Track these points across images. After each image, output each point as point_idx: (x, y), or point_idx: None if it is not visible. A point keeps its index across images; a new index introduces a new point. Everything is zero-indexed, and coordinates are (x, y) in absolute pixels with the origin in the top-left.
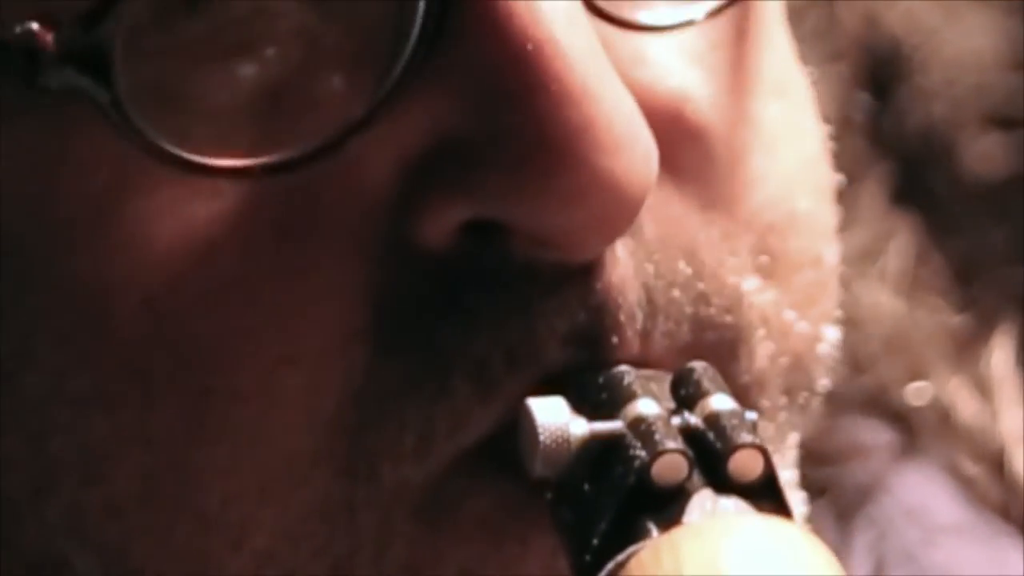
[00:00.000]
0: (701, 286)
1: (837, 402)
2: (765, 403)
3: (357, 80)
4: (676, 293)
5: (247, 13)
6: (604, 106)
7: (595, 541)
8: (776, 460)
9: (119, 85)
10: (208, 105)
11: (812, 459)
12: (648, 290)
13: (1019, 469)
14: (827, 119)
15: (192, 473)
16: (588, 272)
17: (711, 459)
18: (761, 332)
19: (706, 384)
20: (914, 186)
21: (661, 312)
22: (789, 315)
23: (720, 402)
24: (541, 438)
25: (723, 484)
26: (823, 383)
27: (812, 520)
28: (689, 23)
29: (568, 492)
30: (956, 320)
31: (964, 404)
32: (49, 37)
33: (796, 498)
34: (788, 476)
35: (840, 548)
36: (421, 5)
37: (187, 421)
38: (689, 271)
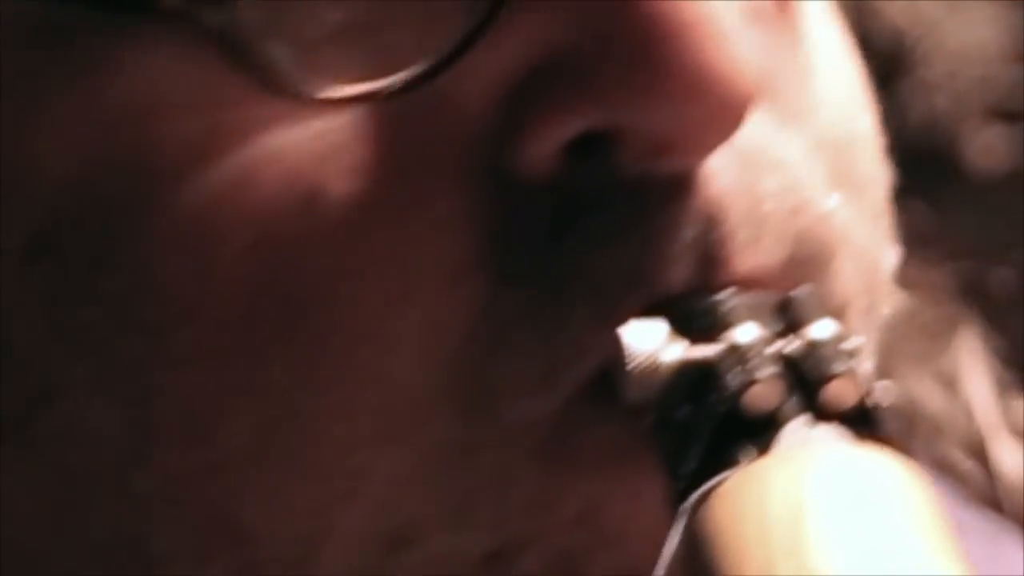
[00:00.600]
0: (792, 199)
1: None
2: (849, 325)
3: (455, 5)
4: (772, 205)
5: None
6: (708, 6)
7: (689, 467)
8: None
9: (239, 11)
10: (320, 33)
11: None
12: (750, 201)
13: (1003, 462)
14: None
15: (306, 423)
16: (696, 182)
17: (807, 386)
18: (844, 250)
19: (809, 310)
20: (916, 179)
21: (763, 223)
22: (863, 233)
23: (820, 329)
24: (629, 364)
25: (819, 411)
26: (886, 309)
27: None
28: None
29: (665, 417)
30: (927, 312)
31: (932, 399)
32: None
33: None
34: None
35: None
36: None
37: (300, 369)
38: (780, 183)
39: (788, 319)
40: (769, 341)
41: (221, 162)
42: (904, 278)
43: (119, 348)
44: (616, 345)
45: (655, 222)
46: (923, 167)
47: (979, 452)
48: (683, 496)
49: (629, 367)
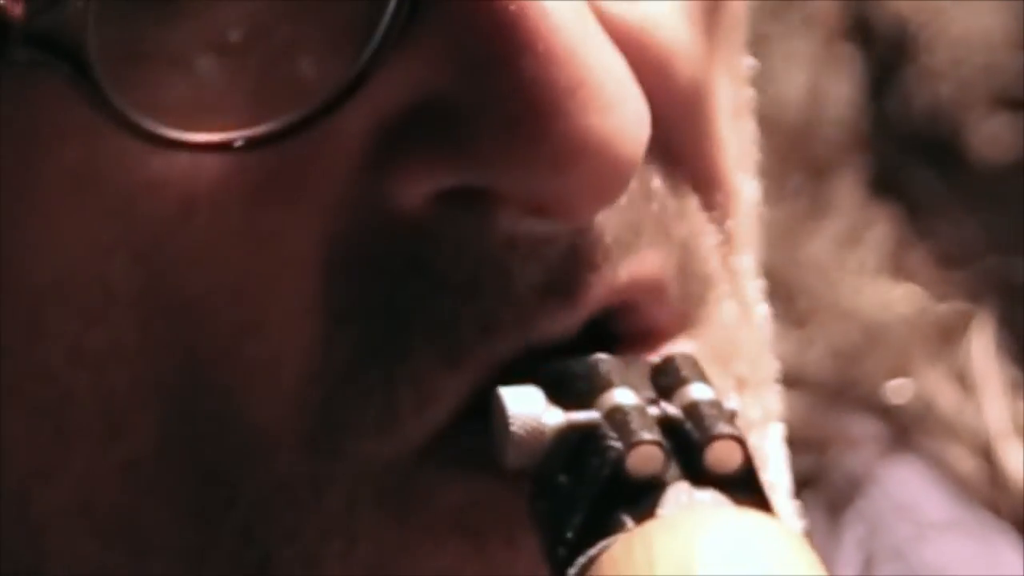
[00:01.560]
0: (672, 224)
1: (824, 394)
2: (743, 369)
3: (335, 47)
4: (651, 225)
5: None
6: (593, 66)
7: (570, 534)
8: (758, 446)
9: (91, 57)
10: (184, 75)
11: (800, 447)
12: (622, 227)
13: (1007, 463)
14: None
15: (193, 432)
16: (576, 235)
17: (688, 450)
18: (726, 286)
19: (686, 372)
20: (920, 169)
21: (639, 235)
22: (746, 283)
23: (699, 391)
24: (512, 428)
25: (701, 476)
26: (772, 365)
27: (801, 513)
28: None
29: (545, 484)
30: (938, 310)
31: (945, 398)
32: (18, 9)
33: (782, 489)
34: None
35: (829, 543)
36: None
37: (183, 376)
38: (664, 208)
39: (665, 382)
40: (650, 403)
41: (97, 188)
42: (915, 272)
43: (34, 356)
44: (496, 408)
45: (523, 270)
46: (927, 156)
47: (986, 452)
48: (567, 563)
49: (512, 431)
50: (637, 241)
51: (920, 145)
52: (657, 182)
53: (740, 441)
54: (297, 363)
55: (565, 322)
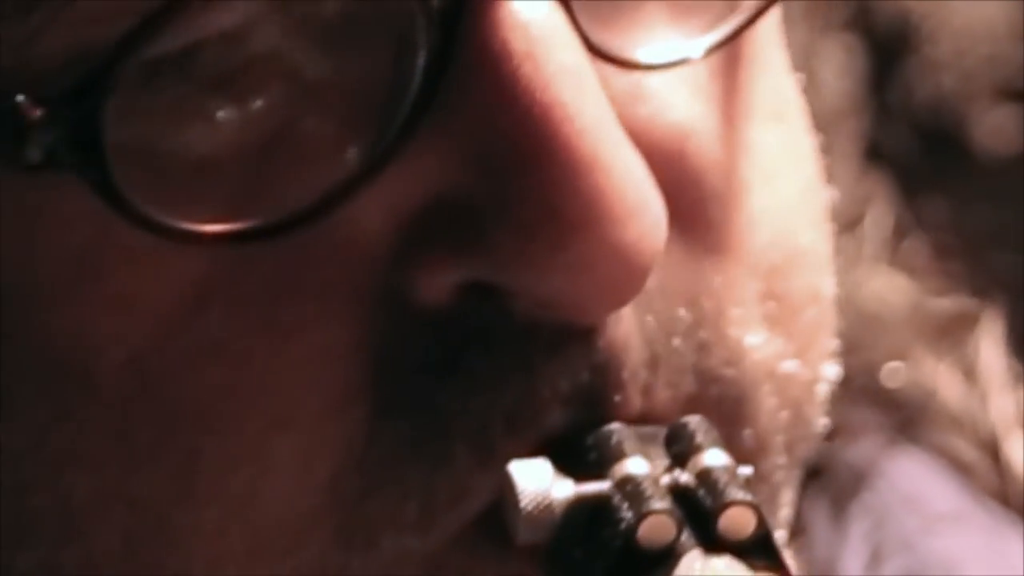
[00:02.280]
0: (703, 335)
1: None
2: (766, 465)
3: (351, 137)
4: (677, 343)
5: (238, 65)
6: (615, 175)
7: None
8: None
9: (106, 151)
10: (195, 167)
11: None
12: (650, 343)
13: (1014, 456)
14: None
15: (176, 536)
16: (591, 331)
17: (701, 517)
18: (766, 388)
19: (700, 439)
20: (922, 161)
21: (663, 364)
22: (791, 365)
23: (713, 458)
24: (522, 503)
25: (714, 543)
26: (821, 424)
27: (805, 506)
28: (686, 60)
29: (560, 558)
30: (943, 302)
31: (948, 389)
32: (37, 112)
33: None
34: (780, 535)
35: (835, 537)
36: (421, 60)
37: (173, 484)
38: (690, 318)
39: (679, 449)
40: (661, 472)
41: (99, 279)
42: (920, 265)
43: (6, 437)
44: (505, 484)
45: (544, 367)
46: (930, 148)
47: (991, 445)
48: None
49: (522, 507)
50: (658, 375)
51: (922, 136)
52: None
53: (754, 507)
54: (335, 456)
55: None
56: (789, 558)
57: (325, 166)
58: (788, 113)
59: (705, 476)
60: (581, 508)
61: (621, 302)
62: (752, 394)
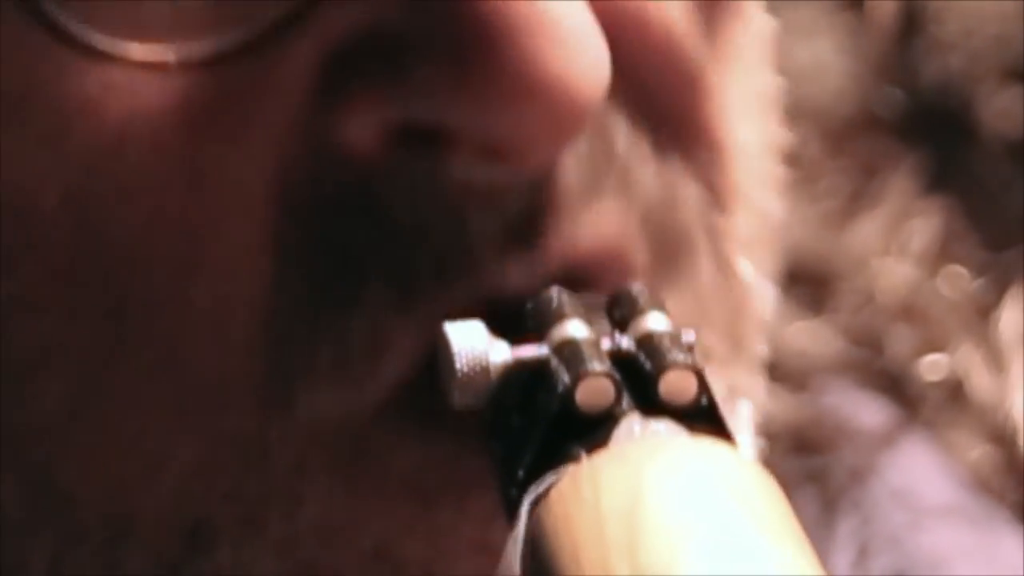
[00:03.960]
0: (639, 177)
1: (834, 379)
2: (712, 339)
3: None
4: (613, 178)
5: None
6: (552, 5)
7: (521, 473)
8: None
9: None
10: None
11: (802, 446)
12: (582, 179)
13: None
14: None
15: (113, 390)
16: (532, 181)
17: (642, 382)
18: (704, 246)
19: (642, 303)
20: (929, 144)
21: (599, 188)
22: (731, 247)
23: (654, 321)
24: (457, 365)
25: (655, 408)
26: (760, 347)
27: (796, 508)
28: None
29: (498, 424)
30: (972, 288)
31: (978, 378)
32: None
33: (746, 435)
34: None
35: (823, 533)
36: None
37: (107, 331)
38: (630, 161)
39: (620, 314)
40: (601, 336)
41: (30, 113)
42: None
43: None
44: (440, 344)
45: (480, 219)
46: (936, 130)
47: (1007, 437)
48: (518, 503)
49: (457, 368)
50: (598, 194)
51: (928, 118)
52: (624, 135)
53: (696, 370)
54: (246, 306)
55: (522, 275)
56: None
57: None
58: (757, 67)
59: (646, 340)
60: (518, 372)
61: (564, 139)
62: (691, 245)
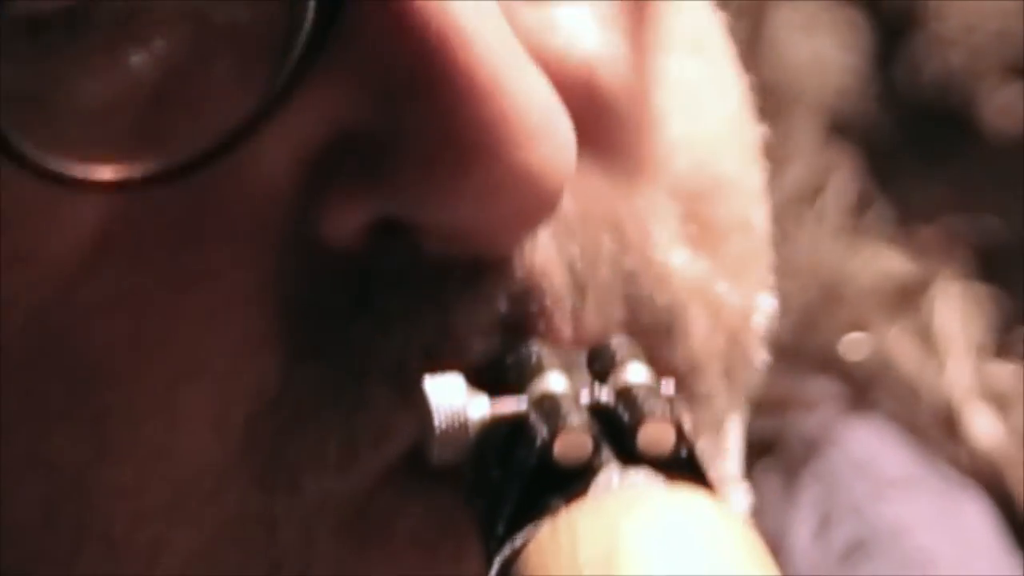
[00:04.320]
0: (629, 262)
1: (781, 354)
2: (703, 388)
3: (250, 76)
4: (604, 272)
5: (131, 10)
6: (517, 97)
7: (501, 527)
8: (713, 447)
9: None
10: (84, 110)
11: (758, 410)
12: (574, 271)
13: (971, 426)
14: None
15: (96, 496)
16: (506, 261)
17: (621, 434)
18: (695, 309)
19: (621, 356)
20: (929, 141)
21: (590, 292)
22: (722, 287)
23: (633, 373)
24: (436, 421)
25: (634, 458)
26: (760, 357)
27: (758, 479)
28: None
29: (478, 478)
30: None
31: (905, 357)
32: None
33: (737, 489)
34: (730, 467)
35: (785, 505)
36: None
37: (87, 443)
38: (615, 246)
39: (600, 367)
40: (580, 390)
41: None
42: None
43: None
44: (420, 402)
45: (460, 301)
46: (937, 128)
47: (947, 414)
48: (496, 554)
49: (436, 425)
50: (587, 304)
51: (928, 115)
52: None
53: (673, 420)
54: (248, 402)
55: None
56: (714, 474)
57: (224, 107)
58: (708, 46)
59: (624, 393)
60: (497, 427)
61: (531, 228)
62: (682, 315)
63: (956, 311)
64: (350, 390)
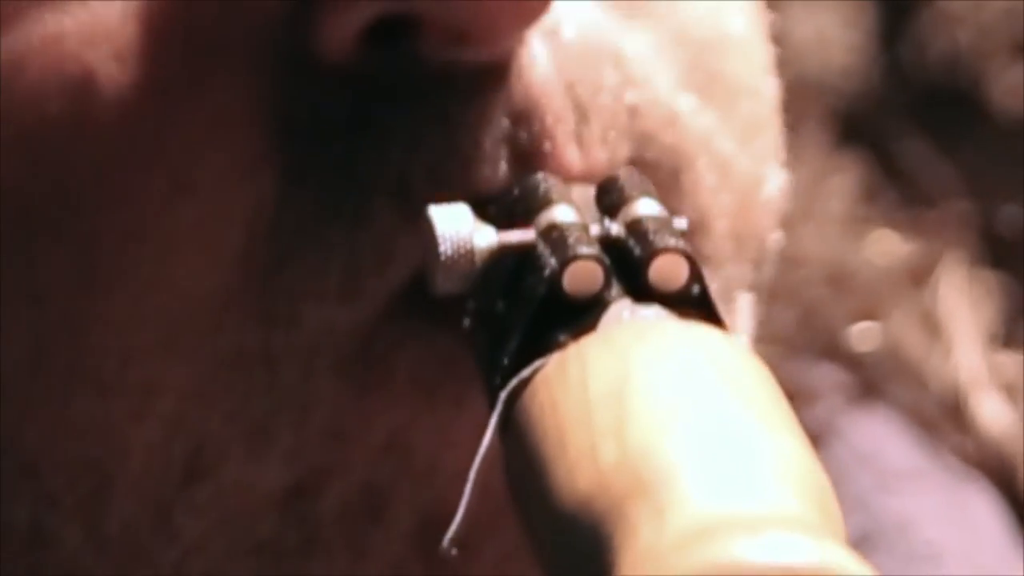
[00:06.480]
0: (632, 96)
1: (786, 346)
2: (710, 247)
3: None
4: (606, 100)
5: None
6: None
7: (506, 361)
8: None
9: None
10: None
11: None
12: (574, 93)
13: (979, 414)
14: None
15: (86, 331)
16: (506, 74)
17: (631, 267)
18: (703, 160)
19: (630, 189)
20: (936, 121)
21: (593, 117)
22: (730, 145)
23: (644, 207)
24: (440, 248)
25: (646, 294)
26: (773, 235)
27: None
28: None
29: (482, 311)
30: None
31: (912, 344)
32: None
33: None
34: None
35: None
36: None
37: (75, 271)
38: (617, 78)
39: (609, 201)
40: (590, 222)
41: None
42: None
43: None
44: (425, 230)
45: (461, 116)
46: (944, 108)
47: (953, 401)
48: (502, 387)
49: (440, 252)
50: (590, 131)
51: (935, 95)
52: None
53: (686, 254)
54: (244, 225)
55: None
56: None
57: None
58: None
59: (635, 225)
60: (504, 258)
61: (529, 18)
62: (690, 164)
63: (963, 297)
64: (351, 208)
